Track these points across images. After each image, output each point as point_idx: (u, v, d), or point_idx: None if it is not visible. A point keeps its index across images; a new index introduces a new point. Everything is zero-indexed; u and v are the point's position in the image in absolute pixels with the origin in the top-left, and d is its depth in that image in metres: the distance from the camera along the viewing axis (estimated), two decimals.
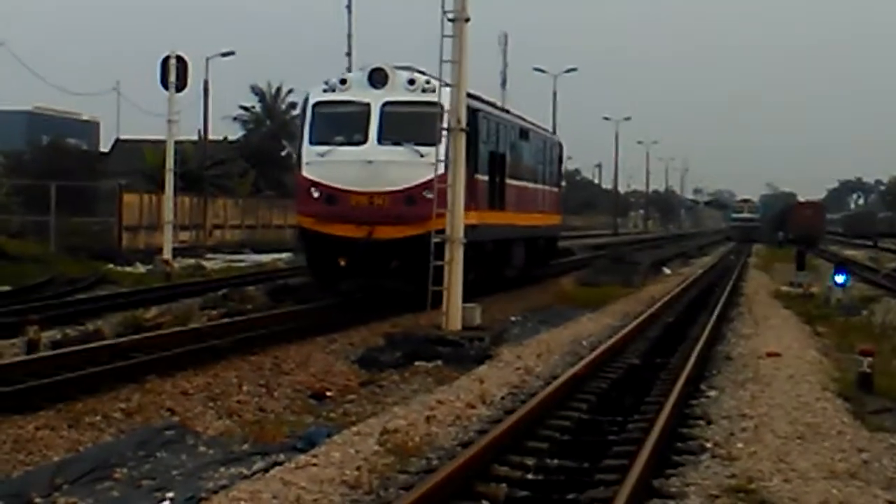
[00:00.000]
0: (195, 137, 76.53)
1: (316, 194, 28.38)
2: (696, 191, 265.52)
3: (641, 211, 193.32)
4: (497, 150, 33.64)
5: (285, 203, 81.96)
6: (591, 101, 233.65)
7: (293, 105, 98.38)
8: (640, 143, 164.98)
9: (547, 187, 42.86)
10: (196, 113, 70.62)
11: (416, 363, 21.84)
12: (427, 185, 26.99)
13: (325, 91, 29.10)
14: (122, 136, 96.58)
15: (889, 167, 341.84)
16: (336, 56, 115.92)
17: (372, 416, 15.87)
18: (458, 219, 25.34)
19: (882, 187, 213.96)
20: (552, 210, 44.43)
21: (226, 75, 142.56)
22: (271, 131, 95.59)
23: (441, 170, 26.35)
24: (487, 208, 32.04)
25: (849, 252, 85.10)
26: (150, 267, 44.34)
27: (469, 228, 26.43)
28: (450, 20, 24.98)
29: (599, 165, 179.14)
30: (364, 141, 28.19)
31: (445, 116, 26.28)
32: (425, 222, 26.15)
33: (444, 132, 26.02)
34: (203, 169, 73.05)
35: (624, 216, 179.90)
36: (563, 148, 48.50)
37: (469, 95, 26.87)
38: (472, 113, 28.59)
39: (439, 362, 21.97)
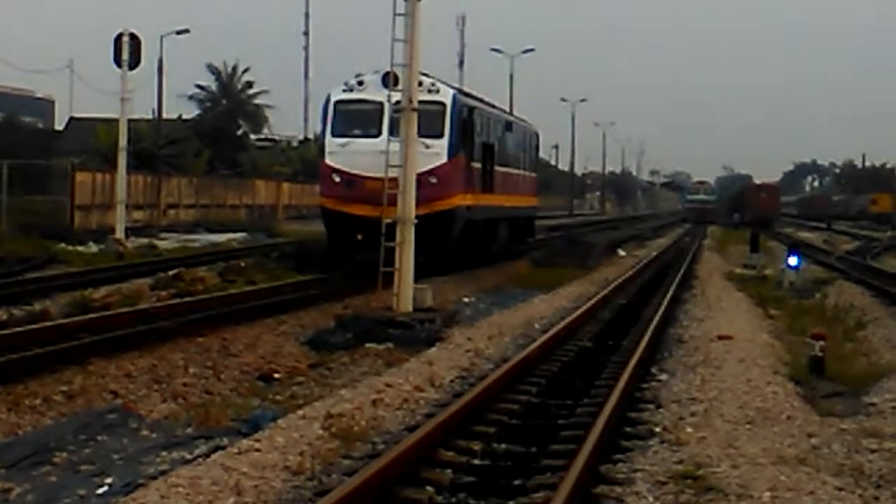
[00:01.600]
0: (150, 116, 76.01)
1: (337, 179, 32.83)
2: (653, 172, 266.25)
3: (598, 193, 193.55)
4: (488, 141, 38.53)
5: (240, 182, 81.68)
6: (549, 82, 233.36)
7: (249, 84, 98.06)
8: (596, 124, 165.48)
9: (526, 172, 47.72)
10: (151, 91, 70.18)
11: (367, 345, 21.69)
12: (432, 172, 31.79)
13: (344, 91, 33.48)
14: (77, 115, 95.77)
15: (844, 150, 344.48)
16: (293, 35, 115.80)
17: (319, 399, 15.69)
18: (409, 199, 25.27)
19: (837, 170, 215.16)
20: (530, 193, 49.46)
21: (181, 53, 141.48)
22: (227, 110, 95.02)
23: (445, 158, 32.50)
24: (480, 191, 37.09)
25: (803, 234, 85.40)
26: (102, 246, 44.00)
27: (465, 209, 33.81)
28: None
29: (556, 147, 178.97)
30: (378, 134, 31.90)
31: (448, 113, 32.62)
32: (430, 203, 30.76)
33: (448, 125, 32.15)
34: (157, 148, 72.54)
35: (580, 198, 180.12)
36: (539, 137, 53.09)
37: (466, 94, 34.04)
38: (469, 110, 35.28)
39: (390, 344, 21.82)
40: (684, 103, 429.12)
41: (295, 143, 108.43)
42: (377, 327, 23.00)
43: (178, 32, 72.02)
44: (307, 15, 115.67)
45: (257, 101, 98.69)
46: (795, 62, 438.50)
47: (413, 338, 22.45)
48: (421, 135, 29.53)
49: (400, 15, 24.99)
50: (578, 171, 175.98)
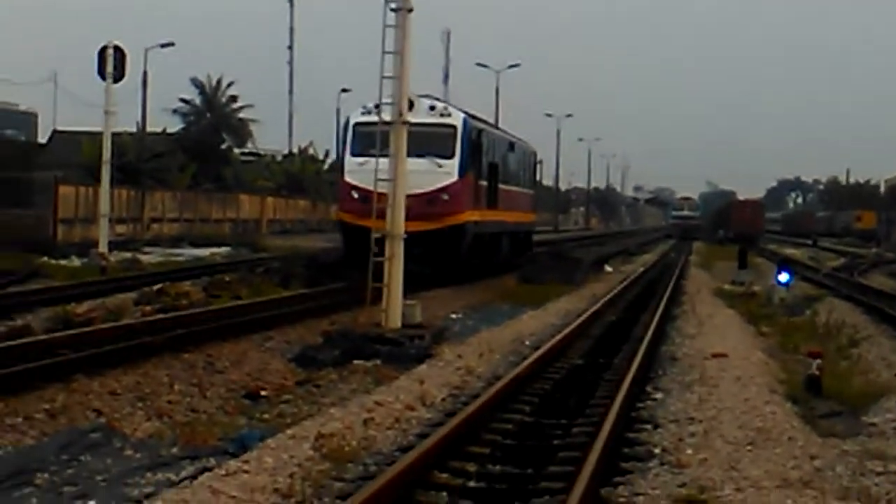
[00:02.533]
0: (134, 129, 75.53)
1: (355, 195, 34.24)
2: (637, 188, 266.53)
3: (582, 208, 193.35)
4: (493, 161, 41.24)
5: (224, 197, 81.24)
6: (534, 97, 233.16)
7: (234, 98, 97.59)
8: (581, 140, 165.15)
9: (526, 190, 50.81)
10: (135, 105, 69.84)
11: (355, 362, 21.28)
12: (444, 189, 35.21)
13: (363, 114, 35.63)
14: (60, 128, 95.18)
15: (827, 167, 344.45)
16: (278, 49, 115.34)
17: (308, 417, 15.35)
18: (398, 214, 24.97)
19: (820, 187, 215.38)
20: (529, 209, 52.49)
21: (166, 67, 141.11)
22: (211, 124, 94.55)
23: (456, 177, 35.61)
24: (486, 208, 39.82)
25: (788, 250, 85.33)
26: (85, 260, 43.59)
27: (474, 223, 37.11)
28: (392, 10, 24.83)
29: (541, 162, 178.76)
30: None
31: (459, 135, 35.80)
32: (443, 218, 34.72)
33: (459, 147, 35.51)
34: (141, 161, 72.09)
35: (565, 213, 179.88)
36: (536, 156, 56.65)
37: (474, 118, 37.10)
38: (478, 132, 38.33)
39: (378, 361, 21.43)
40: (669, 119, 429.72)
41: (279, 158, 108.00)
42: (365, 344, 22.62)
43: (163, 46, 71.77)
44: (291, 29, 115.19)
45: (241, 115, 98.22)
46: (780, 79, 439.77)
47: (402, 354, 22.08)
48: (434, 155, 34.44)
49: (390, 27, 24.70)
50: (563, 186, 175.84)
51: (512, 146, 46.41)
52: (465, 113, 38.30)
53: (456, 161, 35.89)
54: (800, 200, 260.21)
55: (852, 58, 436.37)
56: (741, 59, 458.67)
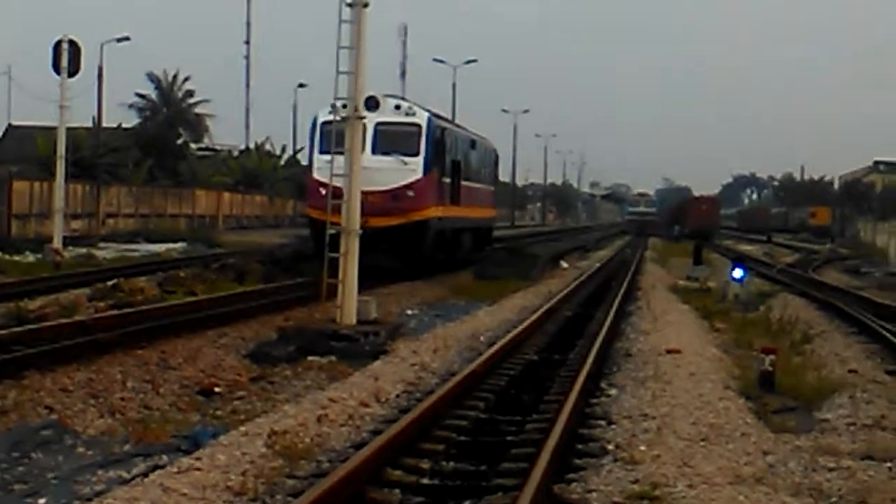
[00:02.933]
0: (90, 124, 75.16)
1: (323, 192, 33.07)
2: (594, 184, 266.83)
3: (539, 204, 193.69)
4: (456, 158, 42.23)
5: (180, 192, 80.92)
6: (490, 93, 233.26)
7: (190, 93, 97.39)
8: (538, 136, 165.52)
9: (487, 186, 52.09)
10: (91, 99, 69.44)
11: (310, 358, 21.16)
12: (409, 186, 36.36)
13: (330, 112, 33.50)
14: (15, 122, 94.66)
15: (782, 163, 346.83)
16: (234, 44, 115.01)
17: (262, 414, 15.25)
18: (353, 209, 24.92)
19: (775, 183, 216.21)
20: (490, 205, 54.03)
21: (122, 61, 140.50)
22: (167, 119, 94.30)
23: (421, 174, 36.67)
24: (450, 204, 40.90)
25: (744, 247, 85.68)
26: (39, 256, 43.33)
27: (437, 219, 38.17)
28: (348, 5, 24.77)
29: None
30: (361, 151, 31.44)
31: (424, 133, 36.89)
32: (407, 214, 36.17)
33: (424, 145, 36.63)
34: (97, 156, 71.77)
35: (522, 209, 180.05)
36: (497, 154, 58.08)
37: (438, 117, 38.70)
38: (442, 130, 39.33)
39: (333, 357, 21.32)
40: (625, 116, 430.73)
41: (236, 153, 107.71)
42: (320, 340, 22.52)
43: (119, 40, 71.40)
44: (248, 24, 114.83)
45: (198, 110, 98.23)
46: (734, 74, 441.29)
47: (357, 351, 22.02)
48: (399, 152, 36.09)
49: (345, 22, 24.63)
50: (520, 182, 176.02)
51: (474, 144, 47.58)
52: (430, 112, 39.17)
53: (421, 159, 36.98)
54: (755, 197, 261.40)
55: (810, 51, 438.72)
56: (697, 57, 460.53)
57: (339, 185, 31.96)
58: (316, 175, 35.87)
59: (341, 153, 31.55)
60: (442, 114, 41.62)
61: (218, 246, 58.51)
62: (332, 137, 32.95)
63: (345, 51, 24.79)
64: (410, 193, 36.53)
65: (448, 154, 40.87)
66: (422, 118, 37.71)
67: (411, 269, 37.47)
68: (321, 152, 35.83)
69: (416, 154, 37.00)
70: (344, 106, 32.20)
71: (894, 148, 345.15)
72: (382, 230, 34.50)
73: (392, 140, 36.57)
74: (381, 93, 37.26)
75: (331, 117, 33.92)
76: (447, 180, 40.73)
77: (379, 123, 35.98)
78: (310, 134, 37.68)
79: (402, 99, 37.99)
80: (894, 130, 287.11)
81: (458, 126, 45.77)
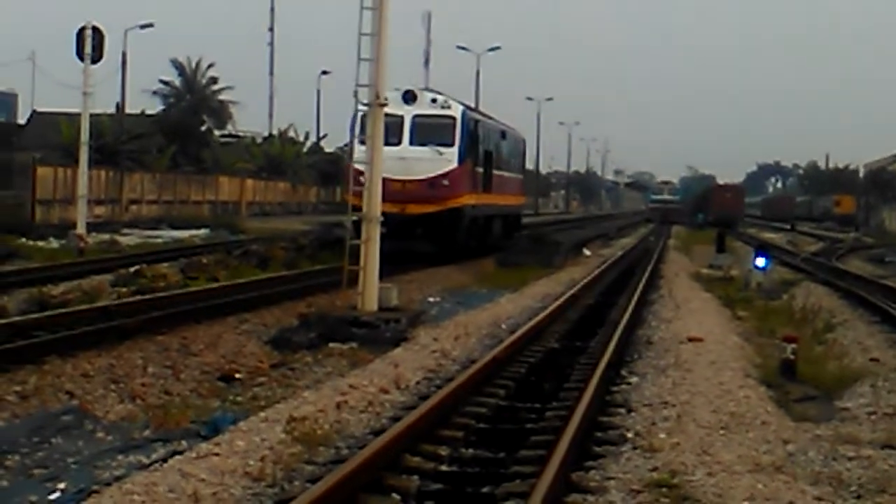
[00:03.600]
0: (113, 111, 75.24)
1: (363, 181, 34.41)
2: (617, 172, 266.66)
3: (562, 192, 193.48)
4: (488, 149, 44.17)
5: (203, 179, 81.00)
6: (515, 80, 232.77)
7: (214, 79, 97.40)
8: (561, 124, 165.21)
9: (516, 175, 53.66)
10: (114, 86, 69.58)
11: (331, 345, 21.21)
12: (445, 175, 38.02)
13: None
14: (39, 109, 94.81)
15: (807, 152, 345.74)
16: (259, 31, 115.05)
17: (281, 400, 15.27)
18: (375, 197, 24.91)
19: (800, 171, 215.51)
20: (519, 192, 55.91)
21: (145, 48, 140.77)
22: (191, 106, 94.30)
23: (456, 164, 38.34)
24: (482, 192, 42.81)
25: (767, 235, 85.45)
26: (63, 242, 43.42)
27: (471, 206, 40.28)
28: None
29: None
30: (399, 143, 36.74)
31: (458, 126, 38.63)
32: (443, 201, 37.96)
33: (458, 136, 38.45)
34: (120, 143, 71.86)
35: (545, 197, 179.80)
36: (525, 143, 59.79)
37: (472, 109, 41.38)
38: (475, 122, 41.50)
39: (354, 344, 21.36)
40: (650, 104, 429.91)
41: (259, 140, 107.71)
42: (341, 326, 22.54)
43: (143, 27, 71.58)
44: (272, 10, 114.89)
45: (222, 96, 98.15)
46: (760, 63, 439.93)
47: (378, 338, 22.03)
48: (436, 143, 37.95)
49: (367, 9, 24.58)
50: (543, 170, 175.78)
51: (504, 134, 49.29)
52: (464, 105, 41.14)
53: (456, 149, 38.65)
54: (779, 185, 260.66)
55: (832, 44, 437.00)
56: (722, 46, 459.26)
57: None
58: (356, 165, 35.23)
59: (384, 145, 33.14)
60: (475, 106, 44.11)
61: (241, 232, 58.56)
62: None
63: (366, 38, 24.75)
64: (446, 182, 38.20)
65: (481, 144, 42.65)
66: (456, 111, 39.39)
67: (446, 253, 39.20)
68: (361, 142, 35.42)
69: (452, 145, 38.62)
70: (385, 100, 36.66)
71: None
72: (419, 217, 37.45)
73: (429, 132, 38.27)
74: (416, 86, 39.40)
75: None
76: (480, 169, 42.46)
77: (416, 116, 38.16)
78: (350, 125, 38.00)
79: (438, 93, 40.01)
80: None
81: (489, 118, 47.45)
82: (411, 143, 37.82)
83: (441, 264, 38.48)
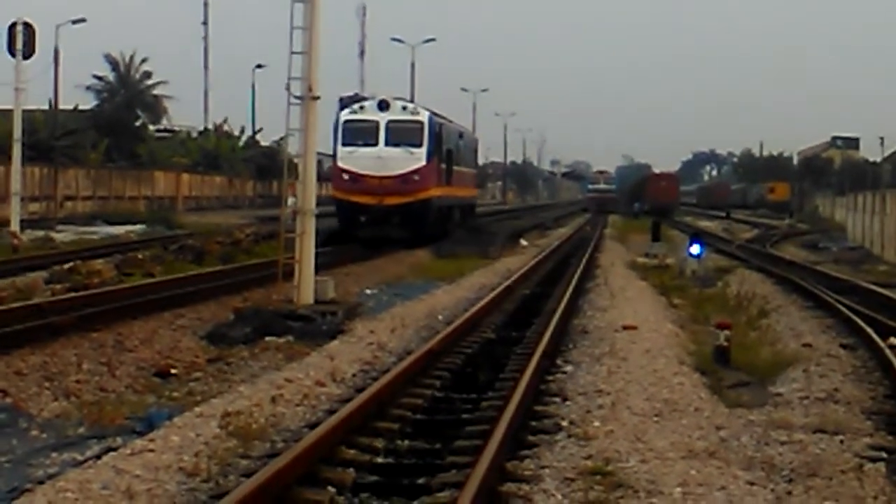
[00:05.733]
0: (47, 106, 74.61)
1: (346, 177, 44.22)
2: (554, 162, 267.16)
3: (499, 182, 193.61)
4: (450, 148, 49.86)
5: (139, 174, 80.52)
6: (450, 72, 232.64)
7: (148, 74, 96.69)
8: (497, 114, 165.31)
9: (471, 170, 60.67)
10: (47, 81, 68.92)
11: (267, 339, 21.13)
12: (416, 171, 44.01)
13: (351, 112, 45.09)
14: None
15: (741, 140, 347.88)
16: (191, 25, 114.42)
17: (217, 395, 15.23)
18: (309, 189, 24.81)
19: (734, 159, 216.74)
20: (474, 185, 64.14)
21: (78, 43, 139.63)
22: (125, 101, 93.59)
23: (424, 161, 44.20)
24: (445, 185, 48.44)
25: (703, 223, 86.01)
26: None
27: (437, 198, 46.05)
28: None
29: None
30: (376, 144, 43.93)
31: (426, 129, 44.57)
32: (414, 193, 43.85)
33: (426, 138, 44.34)
34: (54, 139, 71.28)
35: (482, 187, 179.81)
36: (478, 142, 70.02)
37: (436, 115, 47.02)
38: (439, 125, 46.96)
39: (290, 338, 21.30)
40: (585, 94, 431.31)
41: (195, 134, 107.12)
42: (277, 320, 22.44)
43: (74, 22, 70.86)
44: (206, 4, 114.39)
45: (156, 91, 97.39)
46: (692, 51, 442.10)
47: (314, 331, 21.96)
48: (407, 144, 43.89)
49: (299, 2, 24.50)
50: (480, 160, 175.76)
51: (461, 135, 56.16)
52: (430, 111, 46.51)
53: (424, 149, 44.39)
54: (714, 173, 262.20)
55: (768, 28, 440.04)
56: (655, 35, 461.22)
57: (359, 170, 43.65)
58: (340, 163, 44.66)
59: (361, 145, 43.75)
60: (439, 112, 49.13)
61: (178, 227, 58.28)
62: (353, 133, 44.21)
63: (298, 31, 24.61)
64: (416, 177, 43.99)
65: (444, 144, 47.94)
66: (424, 117, 45.22)
67: (417, 237, 44.38)
68: (343, 144, 44.48)
69: (420, 145, 44.33)
70: (362, 108, 44.75)
71: (852, 124, 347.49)
72: (395, 206, 43.55)
73: (401, 134, 44.04)
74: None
75: (352, 116, 44.82)
76: (443, 166, 47.95)
77: (390, 121, 44.29)
78: (333, 129, 44.76)
79: (408, 101, 47.35)
80: (852, 106, 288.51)
81: (449, 121, 52.85)
82: (386, 144, 43.85)
83: (411, 248, 43.01)
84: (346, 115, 45.51)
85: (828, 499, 10.69)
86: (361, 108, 45.44)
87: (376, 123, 44.13)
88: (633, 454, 11.70)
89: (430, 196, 45.13)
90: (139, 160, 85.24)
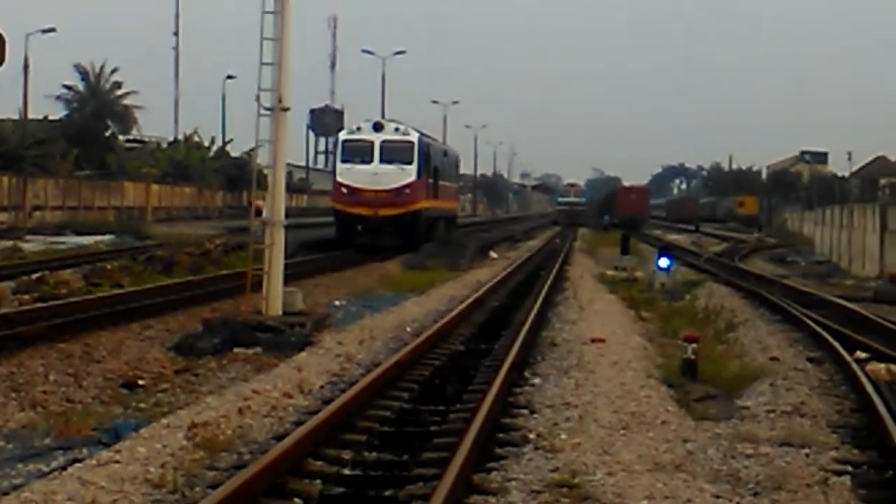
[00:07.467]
0: (16, 116, 74.35)
1: (344, 191, 49.54)
2: (524, 175, 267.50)
3: (469, 195, 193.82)
4: (436, 165, 55.26)
5: (108, 184, 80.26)
6: (421, 84, 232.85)
7: (118, 84, 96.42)
8: (468, 127, 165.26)
9: (453, 184, 65.64)
10: (16, 91, 68.81)
11: (235, 350, 21.07)
12: (407, 185, 49.25)
13: (349, 133, 51.19)
14: None
15: (710, 154, 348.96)
16: (162, 35, 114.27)
17: (184, 406, 15.18)
18: (278, 200, 24.78)
19: (704, 173, 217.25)
20: (454, 199, 68.75)
21: (48, 53, 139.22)
22: (95, 111, 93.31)
23: (415, 177, 49.44)
24: (432, 198, 53.80)
25: (672, 236, 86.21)
26: None
27: (425, 209, 51.37)
28: None
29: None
30: (371, 161, 49.20)
31: (416, 148, 49.89)
32: (406, 206, 49.12)
33: (416, 156, 49.65)
34: (23, 148, 71.02)
35: None
36: (459, 158, 74.29)
37: (425, 135, 53.51)
38: (428, 146, 52.99)
39: (258, 349, 21.24)
40: (555, 107, 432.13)
41: (164, 145, 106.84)
42: (245, 331, 22.38)
43: (44, 31, 70.73)
44: (177, 15, 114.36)
45: (126, 101, 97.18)
46: (662, 66, 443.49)
47: (282, 342, 21.91)
48: (399, 162, 49.01)
49: (269, 13, 24.49)
50: None
51: (445, 153, 62.10)
52: (420, 132, 52.26)
53: (414, 166, 49.58)
54: (684, 186, 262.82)
55: (737, 40, 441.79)
56: (626, 49, 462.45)
57: (356, 185, 48.66)
58: (339, 178, 50.34)
59: (358, 162, 49.17)
60: (427, 132, 55.52)
61: (147, 238, 58.11)
62: (351, 151, 49.66)
63: (268, 42, 24.61)
64: (408, 191, 49.22)
65: (431, 162, 53.25)
66: (414, 137, 50.53)
67: (407, 245, 48.77)
68: (342, 161, 50.28)
69: (411, 163, 49.55)
70: (359, 129, 50.25)
71: (820, 138, 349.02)
72: (388, 217, 48.76)
73: (394, 153, 49.18)
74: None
75: (350, 136, 50.50)
76: (431, 181, 53.23)
77: (384, 141, 49.52)
78: (333, 147, 52.22)
79: (400, 123, 51.55)
80: (820, 120, 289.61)
81: (435, 140, 59.50)
82: (381, 162, 49.07)
83: (402, 253, 46.57)
84: (344, 135, 51.98)
85: None
86: (358, 129, 51.02)
87: (371, 143, 49.50)
88: (599, 467, 11.73)
89: (420, 208, 50.38)
90: (109, 170, 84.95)
